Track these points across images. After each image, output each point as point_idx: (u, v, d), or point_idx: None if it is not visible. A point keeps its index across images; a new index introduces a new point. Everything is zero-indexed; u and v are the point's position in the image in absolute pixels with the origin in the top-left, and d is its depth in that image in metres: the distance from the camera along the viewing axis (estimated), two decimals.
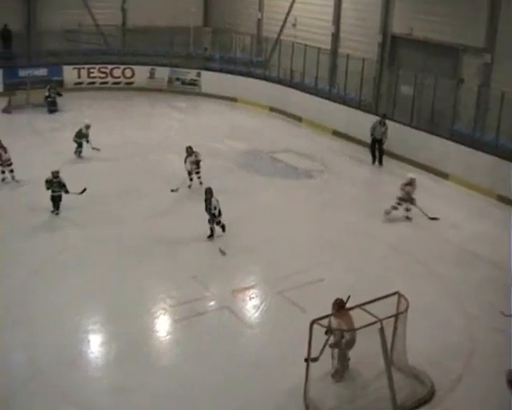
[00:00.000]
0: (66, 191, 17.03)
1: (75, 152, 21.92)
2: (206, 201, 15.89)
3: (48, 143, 23.21)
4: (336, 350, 10.87)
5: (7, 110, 27.49)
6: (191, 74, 32.27)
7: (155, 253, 15.28)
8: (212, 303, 13.46)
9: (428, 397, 10.70)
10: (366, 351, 10.51)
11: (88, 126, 21.88)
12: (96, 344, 12.07)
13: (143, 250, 15.39)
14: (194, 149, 19.09)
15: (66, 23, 31.55)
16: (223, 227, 16.26)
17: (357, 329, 10.00)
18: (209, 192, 15.87)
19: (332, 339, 10.63)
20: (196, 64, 32.70)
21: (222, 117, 28.74)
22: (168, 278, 14.37)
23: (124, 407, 10.33)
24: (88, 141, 21.85)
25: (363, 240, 16.63)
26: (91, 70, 32.09)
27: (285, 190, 20.24)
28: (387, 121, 22.49)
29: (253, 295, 13.81)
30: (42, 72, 30.85)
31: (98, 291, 13.57)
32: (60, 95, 28.05)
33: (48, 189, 16.92)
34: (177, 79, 32.44)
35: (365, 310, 10.15)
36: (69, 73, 31.65)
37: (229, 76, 31.23)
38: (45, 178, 16.84)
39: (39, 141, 23.74)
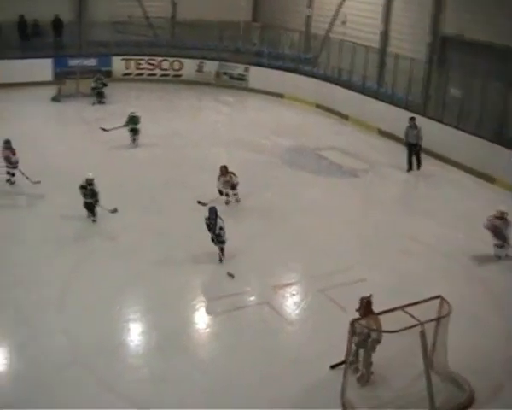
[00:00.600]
0: (97, 202, 16.35)
1: (133, 140, 22.48)
2: (210, 220, 14.55)
3: (95, 133, 23.42)
4: (362, 354, 10.84)
5: (56, 99, 27.89)
6: (239, 69, 32.29)
7: (197, 245, 15.29)
8: (252, 298, 13.49)
9: (467, 403, 10.56)
10: (401, 353, 10.44)
11: (132, 113, 22.50)
12: (136, 334, 12.21)
13: (186, 242, 15.44)
14: (229, 170, 17.69)
15: (116, 14, 31.77)
16: (221, 252, 14.83)
17: (396, 331, 9.89)
18: (214, 213, 14.56)
19: (356, 339, 10.58)
20: (244, 59, 32.69)
21: (268, 113, 28.70)
22: (209, 272, 14.47)
23: (162, 396, 10.41)
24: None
25: (406, 241, 16.44)
26: (140, 61, 32.39)
27: (329, 187, 20.16)
28: (421, 123, 22.03)
29: (293, 292, 13.79)
30: (91, 62, 31.20)
31: (139, 282, 13.73)
32: (105, 85, 28.35)
33: (83, 196, 16.36)
34: (225, 74, 32.49)
35: (407, 312, 10.07)
36: (118, 64, 32.02)
37: (277, 72, 31.14)
38: (80, 184, 16.33)
39: (87, 130, 23.99)
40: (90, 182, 16.30)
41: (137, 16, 33.08)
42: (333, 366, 10.86)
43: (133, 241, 15.47)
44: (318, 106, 29.32)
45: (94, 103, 27.79)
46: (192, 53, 32.88)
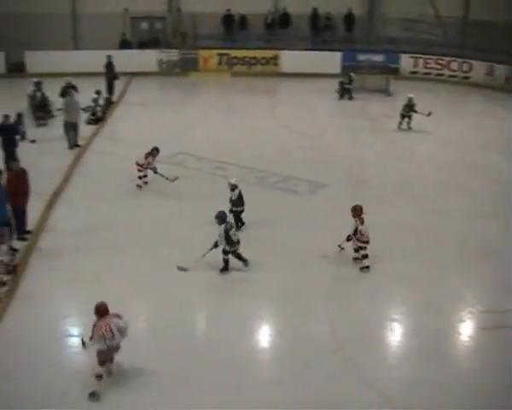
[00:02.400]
0: (237, 215, 15.20)
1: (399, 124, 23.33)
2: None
3: (376, 128, 23.75)
4: None
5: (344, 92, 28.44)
6: None
7: (468, 253, 14.83)
8: None
9: None
10: None
11: (411, 99, 23.16)
12: (398, 334, 12.18)
13: (456, 250, 14.97)
14: (362, 214, 13.96)
15: (406, 11, 31.75)
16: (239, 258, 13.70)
17: None
18: (220, 217, 13.36)
19: None
20: None
21: None
22: (482, 283, 13.84)
23: (414, 399, 10.29)
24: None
25: None
26: (428, 61, 32.03)
27: None
28: None
29: None
30: (379, 58, 31.60)
31: (403, 282, 13.62)
32: (350, 82, 28.12)
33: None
34: None
35: None
36: (406, 62, 32.04)
37: None
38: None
39: (367, 125, 24.42)
40: (232, 188, 15.18)
41: (428, 14, 32.60)
42: None
43: (407, 240, 15.32)
44: None
45: (340, 98, 28.03)
46: (482, 55, 31.60)
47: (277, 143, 21.66)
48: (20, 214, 14.64)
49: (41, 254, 14.17)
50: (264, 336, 12.18)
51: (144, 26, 34.08)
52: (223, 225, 13.26)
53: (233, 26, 33.42)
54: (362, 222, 13.82)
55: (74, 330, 11.80)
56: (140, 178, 17.70)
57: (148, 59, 32.11)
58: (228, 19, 33.16)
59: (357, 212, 13.92)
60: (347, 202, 16.39)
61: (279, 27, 33.40)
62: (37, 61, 30.76)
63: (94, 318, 10.12)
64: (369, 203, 16.91)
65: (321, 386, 10.45)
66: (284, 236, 15.23)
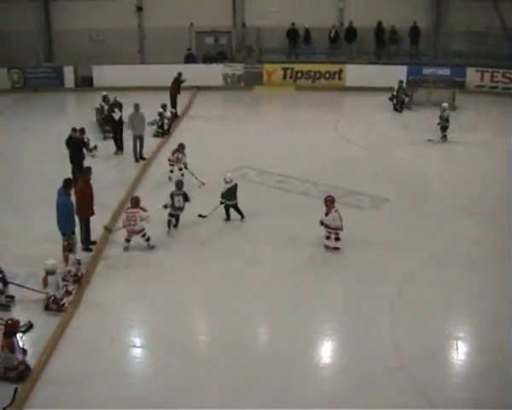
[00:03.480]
0: (226, 207, 16.46)
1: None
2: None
3: (439, 142, 23.43)
4: None
5: (407, 106, 28.17)
6: None
7: None
8: None
9: None
10: None
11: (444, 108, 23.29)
12: (463, 352, 11.84)
13: None
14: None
15: (472, 24, 31.32)
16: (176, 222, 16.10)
17: None
18: (175, 183, 16.27)
19: None
20: None
21: None
22: None
23: None
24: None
25: None
26: (495, 74, 31.42)
27: None
28: None
29: None
30: (445, 71, 31.21)
31: (476, 298, 13.29)
32: (407, 96, 28.09)
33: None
34: None
35: None
36: (472, 76, 31.49)
37: None
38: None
39: (431, 138, 23.99)
40: (225, 181, 16.30)
41: (495, 27, 31.99)
42: None
43: (472, 256, 14.95)
44: None
45: (396, 110, 27.99)
46: None
47: (340, 157, 21.60)
48: (86, 224, 14.92)
49: (106, 265, 14.40)
50: (327, 350, 12.07)
51: (209, 40, 34.59)
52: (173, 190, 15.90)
53: (297, 40, 33.56)
54: (326, 214, 14.84)
55: (138, 341, 11.98)
56: (171, 171, 19.41)
57: (212, 73, 32.49)
58: (292, 33, 33.32)
59: (326, 202, 14.95)
60: (411, 218, 16.29)
61: (344, 41, 33.42)
62: (104, 75, 31.52)
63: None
64: (433, 218, 16.92)
65: (383, 403, 10.27)
66: (349, 253, 15.10)
